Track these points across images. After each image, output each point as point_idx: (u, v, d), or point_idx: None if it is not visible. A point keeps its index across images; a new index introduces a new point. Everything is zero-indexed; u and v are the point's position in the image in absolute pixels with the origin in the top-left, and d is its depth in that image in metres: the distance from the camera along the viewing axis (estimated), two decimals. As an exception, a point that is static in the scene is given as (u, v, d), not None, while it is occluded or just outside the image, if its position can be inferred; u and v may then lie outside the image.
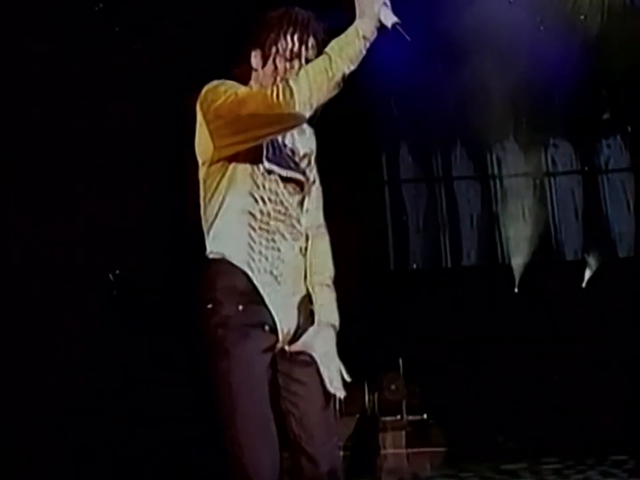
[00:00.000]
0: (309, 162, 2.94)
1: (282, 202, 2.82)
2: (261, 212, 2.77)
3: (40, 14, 6.50)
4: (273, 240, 2.78)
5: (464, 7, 8.59)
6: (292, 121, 2.71)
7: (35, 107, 6.42)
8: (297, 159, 2.90)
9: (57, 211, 6.48)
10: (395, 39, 2.71)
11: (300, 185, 2.89)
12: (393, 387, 8.00)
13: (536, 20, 8.92)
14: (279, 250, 2.78)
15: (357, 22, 2.75)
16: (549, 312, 8.88)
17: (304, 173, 2.89)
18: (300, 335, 2.77)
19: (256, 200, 2.77)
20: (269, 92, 2.68)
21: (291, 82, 2.68)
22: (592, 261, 9.43)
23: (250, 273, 2.71)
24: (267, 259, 2.75)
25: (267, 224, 2.78)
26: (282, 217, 2.81)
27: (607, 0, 9.03)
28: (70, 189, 6.62)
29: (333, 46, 2.72)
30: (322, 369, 2.77)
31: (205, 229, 2.83)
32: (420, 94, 8.63)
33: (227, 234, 2.77)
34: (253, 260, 2.73)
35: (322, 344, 2.81)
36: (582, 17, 9.23)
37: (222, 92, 2.77)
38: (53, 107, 6.52)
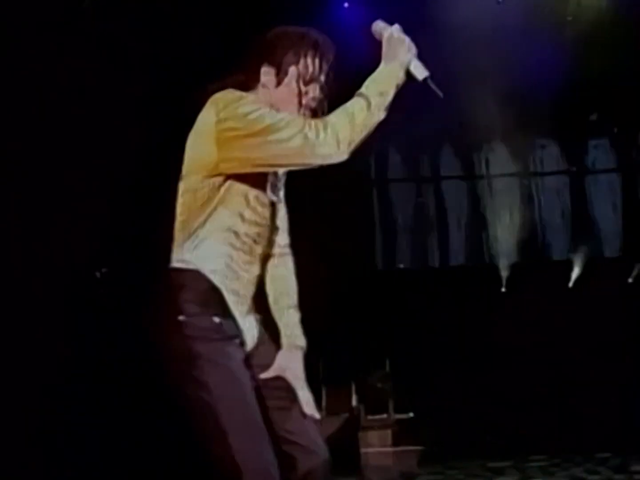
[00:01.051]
0: (283, 182, 2.95)
1: (262, 225, 2.81)
2: (245, 233, 2.75)
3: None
4: (249, 262, 2.78)
5: (452, 7, 8.62)
6: (323, 161, 2.64)
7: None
8: (279, 182, 2.91)
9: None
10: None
11: (275, 206, 2.88)
12: (379, 385, 8.02)
13: (524, 20, 8.94)
14: (249, 272, 2.79)
15: (392, 66, 2.71)
16: (535, 312, 8.91)
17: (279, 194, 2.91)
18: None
19: (243, 221, 2.75)
20: (307, 127, 2.59)
21: (334, 124, 2.61)
22: (578, 261, 9.46)
23: (223, 290, 2.70)
24: (238, 279, 2.75)
25: (247, 244, 2.77)
26: (259, 239, 2.81)
27: (593, 1, 9.07)
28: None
29: (370, 89, 2.67)
30: (297, 392, 2.80)
31: (180, 238, 2.77)
32: (407, 93, 8.64)
33: (208, 248, 2.72)
34: (227, 278, 2.72)
35: (295, 367, 2.85)
36: (569, 17, 9.27)
37: (246, 104, 2.68)
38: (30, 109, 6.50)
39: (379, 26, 2.83)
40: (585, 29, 9.09)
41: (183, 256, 2.73)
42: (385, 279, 9.41)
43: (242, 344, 2.75)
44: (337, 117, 2.64)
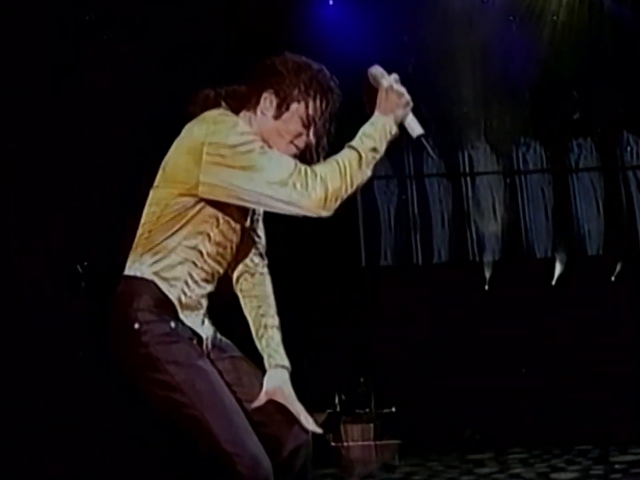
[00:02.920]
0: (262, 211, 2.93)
1: (227, 246, 2.79)
2: (209, 253, 2.73)
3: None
4: (206, 280, 2.77)
5: (437, 5, 8.66)
6: (304, 213, 2.60)
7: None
8: (257, 213, 2.91)
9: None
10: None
11: (246, 229, 2.86)
12: (362, 379, 8.06)
13: (508, 19, 8.99)
14: (206, 289, 2.78)
15: (387, 120, 2.64)
16: (517, 309, 8.95)
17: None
18: None
19: (209, 241, 2.73)
20: (296, 175, 2.53)
21: (324, 179, 2.54)
22: (561, 259, 9.51)
23: (177, 305, 2.70)
24: (193, 295, 2.74)
25: (208, 264, 2.75)
26: (222, 260, 2.80)
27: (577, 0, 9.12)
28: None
29: (364, 144, 2.61)
30: (293, 409, 2.79)
31: (140, 249, 2.72)
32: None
33: (169, 264, 2.69)
34: (182, 293, 2.71)
35: (283, 387, 2.83)
36: (553, 17, 9.32)
37: (237, 134, 2.61)
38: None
39: (377, 72, 2.72)
40: (569, 28, 9.16)
41: (141, 267, 2.69)
42: (369, 275, 9.44)
43: (200, 344, 2.76)
44: (328, 171, 2.57)
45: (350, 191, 2.58)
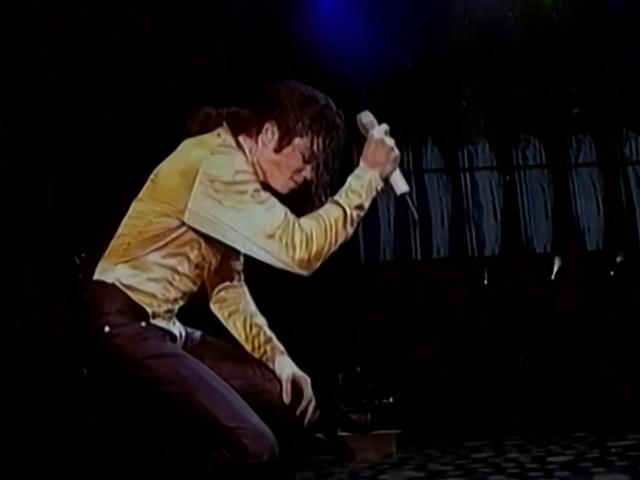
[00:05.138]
0: None
1: (204, 268, 2.79)
2: (186, 274, 2.73)
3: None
4: (179, 298, 2.78)
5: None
6: (282, 267, 2.58)
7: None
8: None
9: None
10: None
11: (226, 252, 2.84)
12: (358, 369, 8.10)
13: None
14: (178, 303, 2.80)
15: (373, 175, 2.60)
16: (517, 304, 8.94)
17: None
18: None
19: (188, 262, 2.71)
20: (284, 227, 2.51)
21: (309, 236, 2.51)
22: (560, 254, 9.49)
23: (148, 312, 2.69)
24: (163, 310, 2.74)
25: (184, 284, 2.76)
26: (197, 280, 2.80)
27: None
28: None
29: (350, 200, 2.58)
30: (307, 389, 2.85)
31: (115, 258, 2.69)
32: (391, 86, 8.66)
33: (143, 279, 2.67)
34: (152, 304, 2.71)
35: (294, 368, 2.90)
36: (554, 12, 9.33)
37: (234, 171, 2.58)
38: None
39: (367, 120, 2.66)
40: (568, 24, 9.16)
41: (113, 275, 2.66)
42: (368, 271, 9.44)
43: (174, 341, 2.78)
44: (315, 229, 2.54)
45: (332, 250, 2.56)
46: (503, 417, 8.13)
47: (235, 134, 2.75)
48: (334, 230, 2.55)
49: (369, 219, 9.71)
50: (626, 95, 9.38)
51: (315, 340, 8.17)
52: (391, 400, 7.74)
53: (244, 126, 2.75)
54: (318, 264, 2.57)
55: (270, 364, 2.90)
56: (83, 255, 7.37)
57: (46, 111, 6.68)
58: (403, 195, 2.61)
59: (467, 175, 9.69)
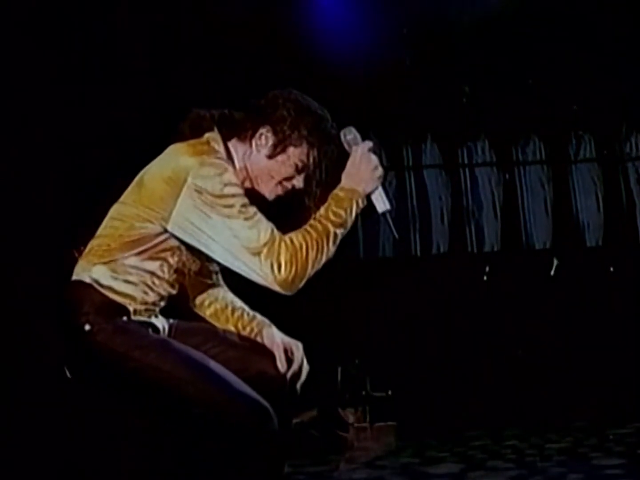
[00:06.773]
0: None
1: (184, 273, 2.84)
2: (165, 279, 2.76)
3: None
4: (157, 302, 2.83)
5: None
6: (262, 283, 2.62)
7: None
8: None
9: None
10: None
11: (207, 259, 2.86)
12: (357, 361, 8.16)
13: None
14: (158, 306, 2.85)
15: (355, 193, 2.63)
16: (516, 299, 8.96)
17: None
18: None
19: (168, 268, 2.75)
20: (269, 246, 2.51)
21: (293, 256, 2.52)
22: (560, 250, 9.51)
23: (130, 312, 2.74)
24: (146, 310, 2.79)
25: (163, 288, 2.79)
26: (176, 285, 2.85)
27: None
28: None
29: (335, 218, 2.60)
30: (297, 353, 2.97)
31: (95, 258, 2.70)
32: (388, 82, 8.67)
33: (123, 280, 2.69)
34: (130, 306, 2.75)
35: (282, 336, 3.02)
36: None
37: (223, 183, 2.57)
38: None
39: (350, 137, 2.67)
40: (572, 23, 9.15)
41: (91, 276, 2.68)
42: (368, 267, 9.46)
43: (157, 332, 2.83)
44: (299, 249, 2.55)
45: (316, 269, 2.60)
46: (502, 410, 8.14)
47: (226, 139, 2.75)
48: (318, 250, 2.58)
49: (368, 214, 9.72)
50: (626, 91, 9.37)
51: (314, 334, 8.18)
52: (390, 393, 7.81)
53: (237, 130, 2.77)
54: (302, 284, 2.61)
55: (259, 339, 2.94)
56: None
57: (42, 110, 6.70)
58: (384, 213, 2.61)
59: (467, 171, 9.69)
